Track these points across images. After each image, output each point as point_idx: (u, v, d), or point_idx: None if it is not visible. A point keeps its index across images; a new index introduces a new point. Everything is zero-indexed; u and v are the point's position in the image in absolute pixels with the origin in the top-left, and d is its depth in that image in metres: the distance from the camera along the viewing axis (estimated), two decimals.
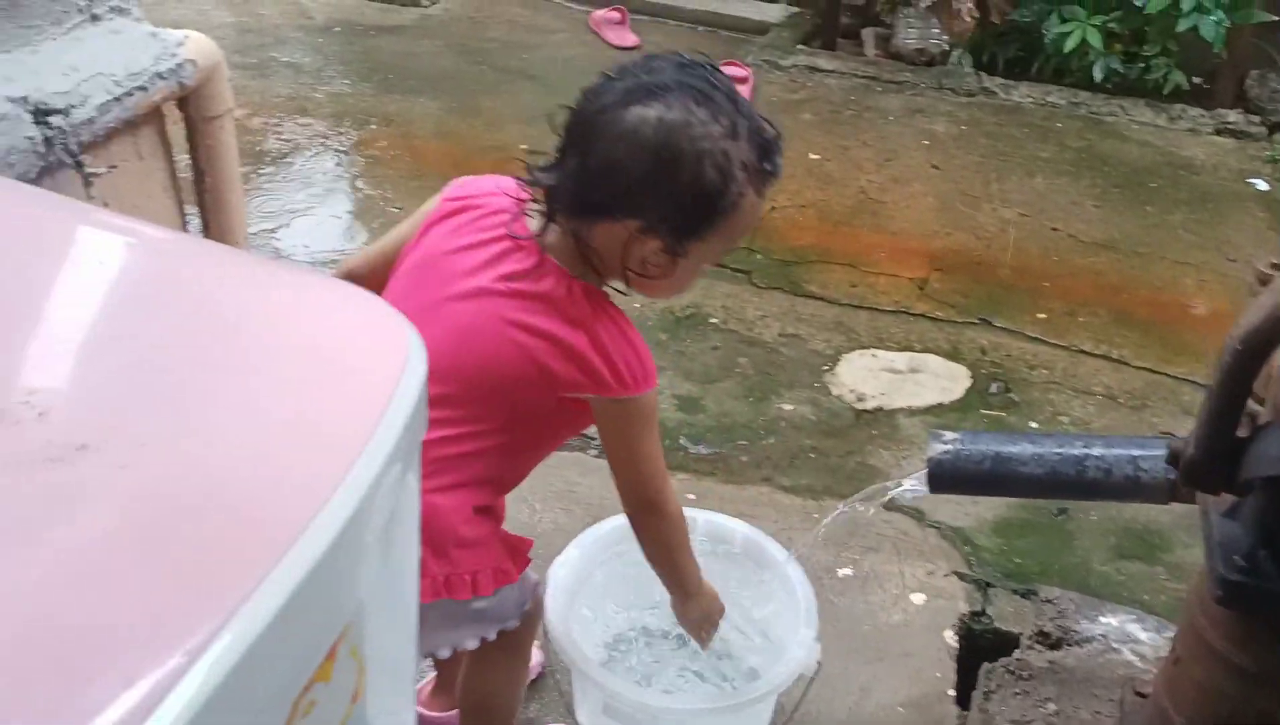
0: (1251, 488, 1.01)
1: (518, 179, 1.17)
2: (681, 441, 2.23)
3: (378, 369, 0.70)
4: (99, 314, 0.71)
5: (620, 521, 1.55)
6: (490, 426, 1.14)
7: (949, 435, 1.27)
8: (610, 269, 1.11)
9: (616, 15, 4.16)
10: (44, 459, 0.56)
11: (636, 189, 1.05)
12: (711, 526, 1.57)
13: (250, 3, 4.46)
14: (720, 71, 1.09)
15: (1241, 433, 0.98)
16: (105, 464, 0.57)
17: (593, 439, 2.24)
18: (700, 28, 4.28)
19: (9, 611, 0.49)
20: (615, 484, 1.21)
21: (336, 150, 3.38)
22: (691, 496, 2.04)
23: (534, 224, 1.14)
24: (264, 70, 3.85)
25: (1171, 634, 1.26)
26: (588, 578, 1.53)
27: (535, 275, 1.11)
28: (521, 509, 2.05)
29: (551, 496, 2.06)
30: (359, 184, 3.24)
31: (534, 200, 1.14)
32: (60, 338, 0.67)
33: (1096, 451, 1.21)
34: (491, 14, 4.39)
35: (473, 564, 1.21)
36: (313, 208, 3.08)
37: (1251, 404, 1.01)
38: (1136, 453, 1.19)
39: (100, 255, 0.78)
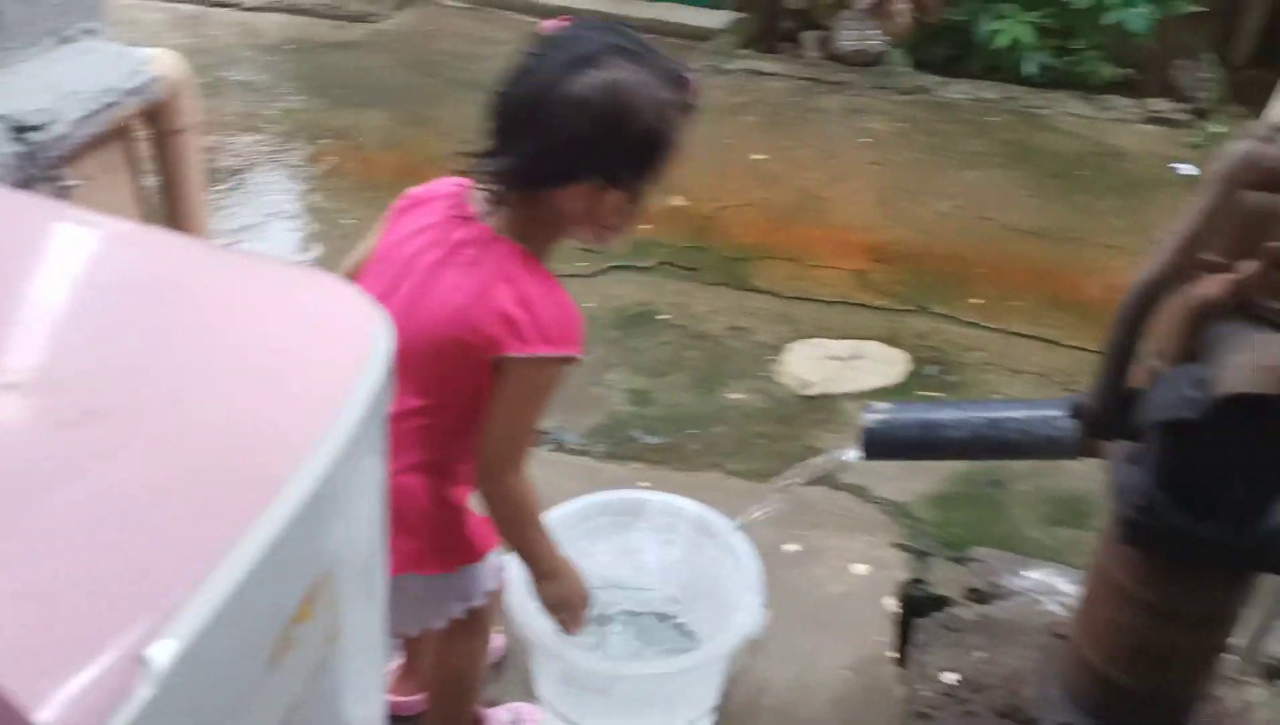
0: (1144, 434, 1.10)
1: (462, 173, 1.24)
2: (634, 433, 2.31)
3: (347, 345, 0.78)
4: (91, 302, 0.78)
5: (578, 504, 1.63)
6: (443, 401, 1.21)
7: (881, 406, 1.36)
8: (572, 229, 1.20)
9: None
10: (54, 423, 0.63)
11: (598, 150, 1.13)
12: (664, 505, 1.65)
13: (201, 24, 4.50)
14: (632, 29, 1.20)
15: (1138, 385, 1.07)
16: (111, 427, 0.64)
17: (546, 433, 2.32)
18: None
19: (41, 548, 0.56)
20: (477, 447, 1.21)
21: (290, 165, 3.43)
22: (645, 484, 2.12)
23: (481, 207, 1.21)
24: (216, 89, 3.89)
25: None
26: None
27: (478, 243, 1.19)
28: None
29: None
30: (313, 197, 3.29)
31: (480, 187, 1.21)
32: (52, 321, 0.75)
33: (1014, 413, 1.30)
34: (441, 27, 4.46)
35: (440, 542, 1.29)
36: (267, 222, 3.13)
37: (1154, 360, 1.11)
38: (1050, 412, 1.29)
39: (91, 251, 0.85)
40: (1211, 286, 0.97)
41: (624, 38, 1.17)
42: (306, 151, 3.51)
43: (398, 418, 1.17)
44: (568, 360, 1.19)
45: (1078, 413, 1.16)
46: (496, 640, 1.77)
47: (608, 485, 2.04)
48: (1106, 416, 1.10)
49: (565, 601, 1.35)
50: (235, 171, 3.37)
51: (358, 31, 4.41)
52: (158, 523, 0.60)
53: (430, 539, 1.27)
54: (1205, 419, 0.88)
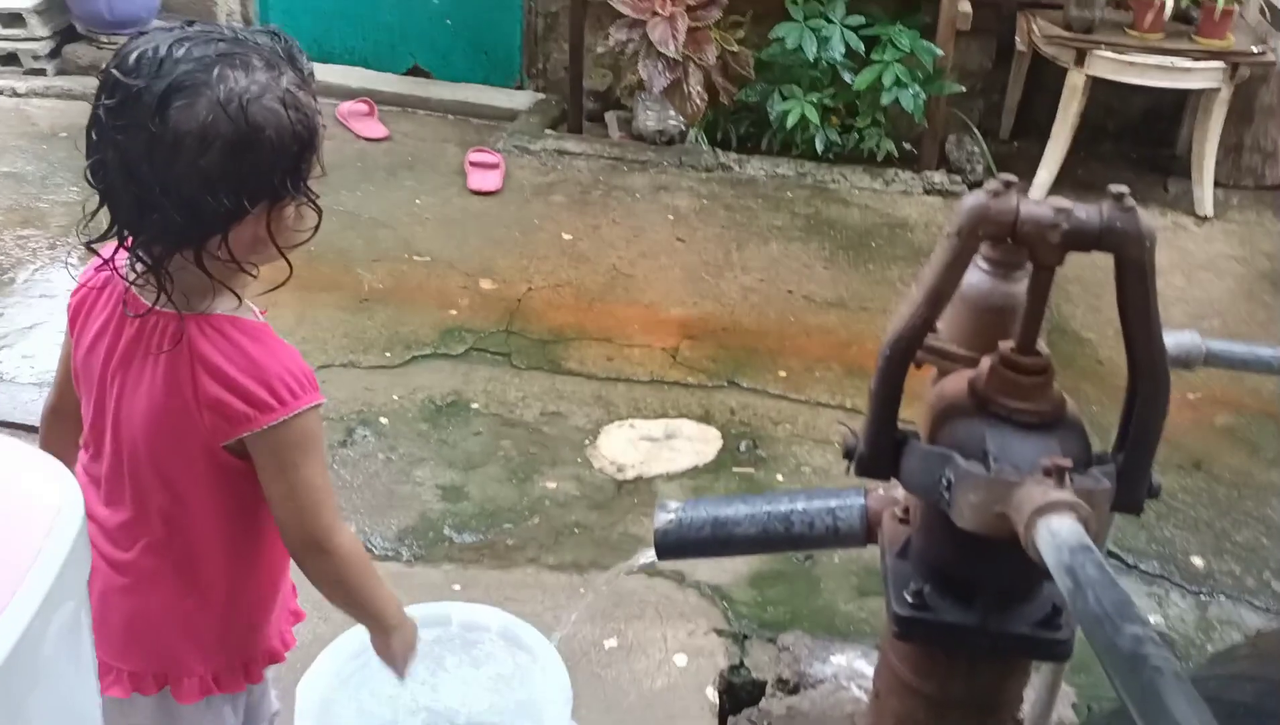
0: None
1: (100, 257, 1.13)
2: (446, 531, 2.23)
3: (31, 515, 0.70)
4: None
5: None
6: (179, 505, 1.12)
7: (672, 505, 1.35)
8: (256, 258, 1.08)
9: (364, 107, 4.17)
10: None
11: (249, 178, 1.01)
12: (467, 618, 1.58)
13: None
14: (203, 23, 1.07)
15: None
16: None
17: None
18: (450, 116, 4.36)
19: None
20: (281, 528, 1.13)
21: (66, 262, 3.19)
22: (457, 587, 2.05)
23: (140, 283, 1.08)
24: None
25: None
26: (343, 688, 1.51)
27: (150, 335, 1.08)
28: None
29: (308, 604, 2.01)
30: None
31: (134, 260, 1.07)
32: None
33: (800, 506, 1.31)
34: None
35: (177, 664, 1.17)
36: (40, 323, 2.89)
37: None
38: (834, 503, 1.30)
39: None
40: (952, 384, 1.01)
41: (209, 43, 1.01)
42: (83, 250, 3.27)
43: (120, 533, 1.11)
44: (313, 410, 1.09)
45: (849, 455, 1.18)
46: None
47: (418, 590, 1.96)
48: (875, 461, 1.12)
49: (410, 648, 1.30)
50: (2, 271, 3.11)
51: None
52: None
53: (160, 660, 1.17)
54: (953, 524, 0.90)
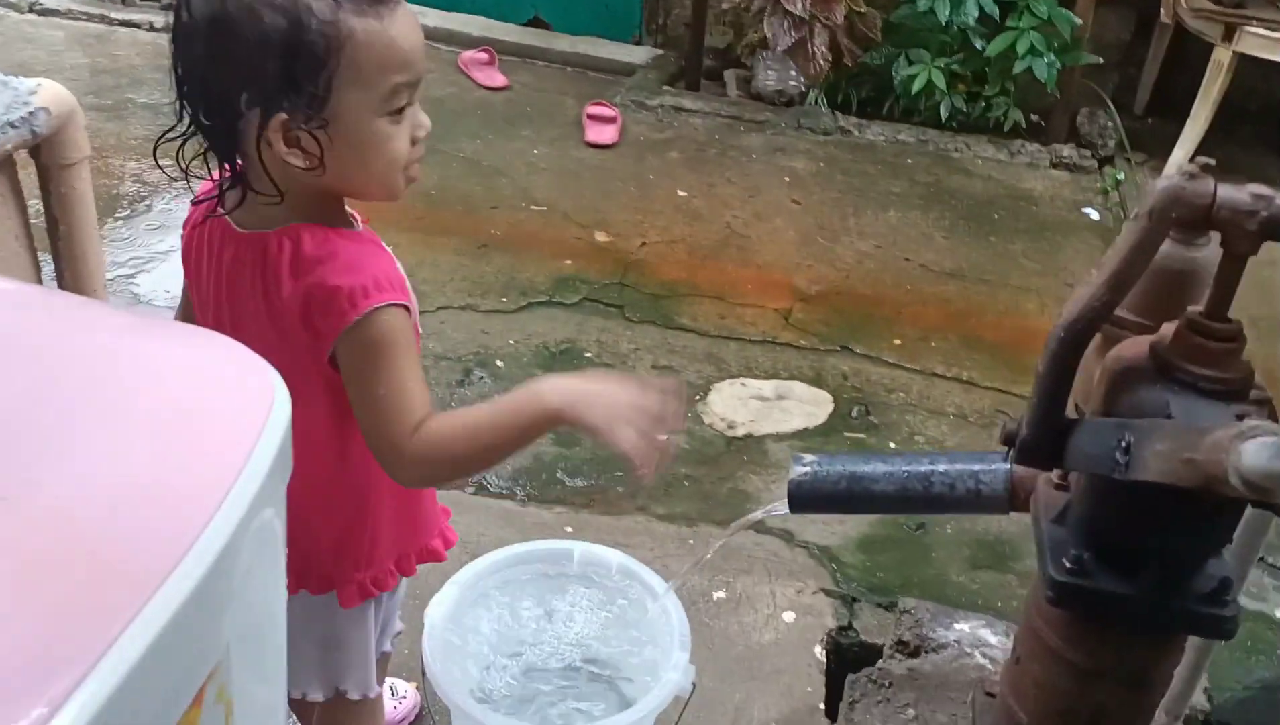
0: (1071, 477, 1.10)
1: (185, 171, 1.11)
2: (559, 475, 2.26)
3: (241, 414, 0.72)
4: None
5: (502, 555, 1.58)
6: (309, 411, 1.05)
7: (808, 458, 1.34)
8: (295, 181, 1.03)
9: (484, 56, 4.20)
10: None
11: (240, 75, 0.97)
12: (588, 555, 1.60)
13: (105, 43, 4.33)
14: None
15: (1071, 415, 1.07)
16: None
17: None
18: (568, 69, 4.37)
19: None
20: (371, 444, 1.06)
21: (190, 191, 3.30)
22: (569, 529, 2.08)
23: (230, 202, 1.07)
24: (120, 112, 3.74)
25: None
26: (467, 614, 1.55)
27: (245, 253, 1.05)
28: None
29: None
30: None
31: (216, 179, 1.08)
32: None
33: (941, 467, 1.29)
34: None
35: (339, 568, 1.18)
36: (173, 251, 3.00)
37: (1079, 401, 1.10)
38: (978, 467, 1.28)
39: None
40: (1131, 349, 0.98)
41: None
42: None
43: None
44: (390, 308, 1.03)
45: (1009, 440, 1.15)
46: (412, 698, 1.69)
47: (530, 530, 2.00)
48: (1039, 446, 1.09)
49: (612, 409, 1.03)
50: (140, 199, 3.23)
51: None
52: (13, 628, 0.54)
53: (324, 561, 1.17)
54: (1129, 486, 0.87)
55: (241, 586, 0.68)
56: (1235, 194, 0.85)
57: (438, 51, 4.39)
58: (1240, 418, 0.79)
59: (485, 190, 3.39)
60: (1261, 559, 2.20)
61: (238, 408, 0.72)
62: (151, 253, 3.00)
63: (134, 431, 0.69)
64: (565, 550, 1.59)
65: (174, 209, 3.19)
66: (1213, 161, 0.87)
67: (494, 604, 1.60)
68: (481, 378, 2.55)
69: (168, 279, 2.88)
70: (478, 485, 2.20)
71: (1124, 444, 0.88)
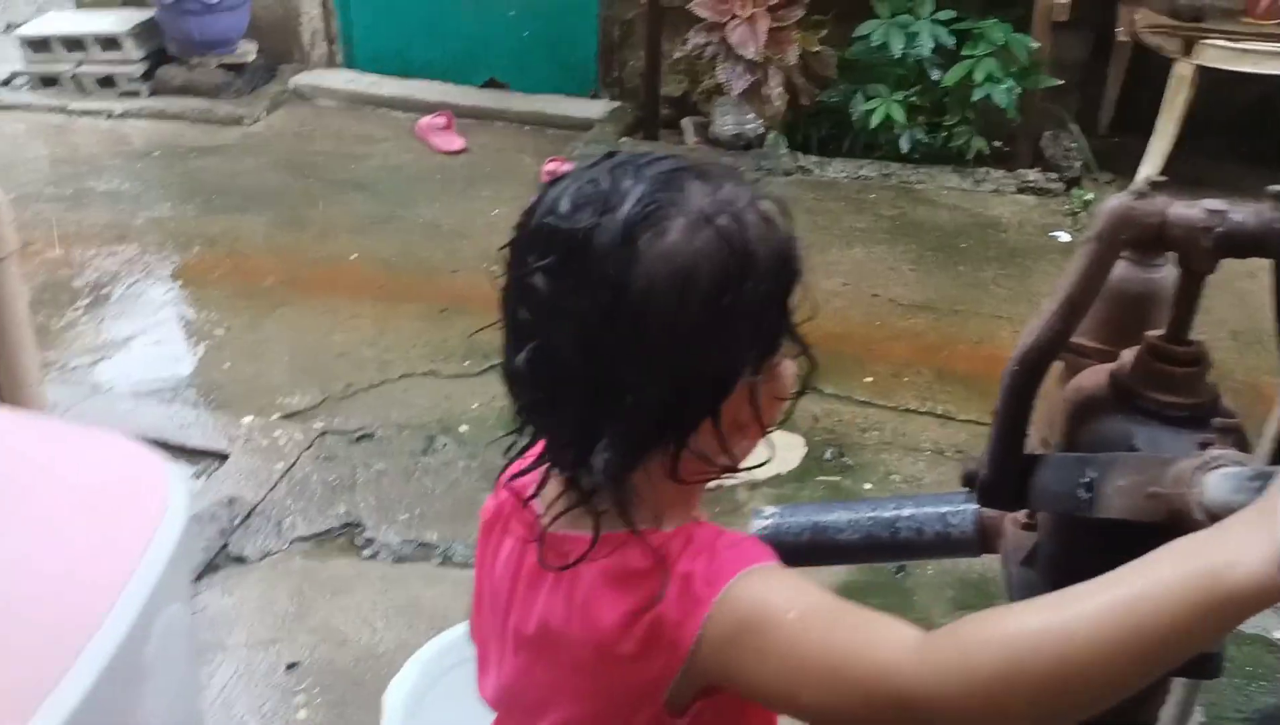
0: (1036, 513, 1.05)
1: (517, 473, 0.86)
2: None
3: (140, 511, 0.69)
4: None
5: (464, 628, 1.51)
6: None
7: (768, 510, 1.29)
8: (738, 449, 0.83)
9: (442, 120, 4.20)
10: None
11: (743, 324, 0.75)
12: None
13: (65, 132, 4.33)
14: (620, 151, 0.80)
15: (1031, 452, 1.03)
16: None
17: (433, 546, 2.20)
18: (526, 127, 4.37)
19: None
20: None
21: (158, 276, 3.28)
22: None
23: (552, 498, 0.81)
24: (80, 201, 3.73)
25: None
26: (426, 695, 1.48)
27: (564, 567, 0.78)
28: (362, 631, 1.98)
29: (393, 612, 1.99)
30: (182, 308, 3.14)
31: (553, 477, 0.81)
32: None
33: (907, 512, 1.24)
34: (316, 127, 4.37)
35: None
36: (134, 337, 2.97)
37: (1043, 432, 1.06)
38: (945, 509, 1.23)
39: None
40: (1091, 378, 0.93)
41: (633, 161, 0.75)
42: (176, 261, 3.36)
43: None
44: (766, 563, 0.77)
45: (969, 481, 1.11)
46: None
47: None
48: (1000, 485, 1.05)
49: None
50: (100, 286, 3.20)
51: (229, 135, 4.29)
52: None
53: None
54: (1097, 524, 0.82)
55: (152, 679, 0.64)
56: (1187, 211, 0.80)
57: (395, 119, 4.40)
58: (1204, 446, 0.75)
59: (446, 254, 3.36)
60: None
61: (136, 507, 0.69)
62: (112, 340, 2.96)
63: (28, 535, 0.66)
64: None
65: (133, 295, 3.16)
66: (1164, 179, 0.83)
67: (457, 681, 1.53)
68: (445, 444, 2.50)
69: (128, 365, 2.84)
70: (442, 557, 2.14)
71: (1087, 481, 0.84)
